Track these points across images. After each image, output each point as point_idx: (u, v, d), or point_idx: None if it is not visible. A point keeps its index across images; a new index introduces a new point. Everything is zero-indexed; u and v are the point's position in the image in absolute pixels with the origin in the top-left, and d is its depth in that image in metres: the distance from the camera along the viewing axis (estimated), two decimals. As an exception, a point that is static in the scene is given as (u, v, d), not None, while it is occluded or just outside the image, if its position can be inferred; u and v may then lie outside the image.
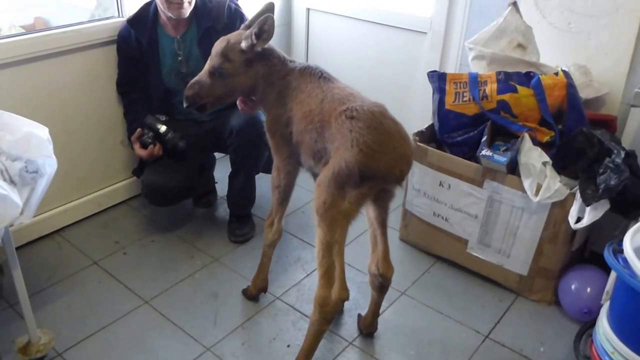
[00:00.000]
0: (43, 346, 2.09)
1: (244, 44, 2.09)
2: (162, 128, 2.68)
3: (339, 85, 2.06)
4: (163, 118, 2.73)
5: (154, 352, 2.24)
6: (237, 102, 2.35)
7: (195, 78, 2.19)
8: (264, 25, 2.04)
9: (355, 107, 1.85)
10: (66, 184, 2.87)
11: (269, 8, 2.18)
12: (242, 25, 2.24)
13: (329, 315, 1.95)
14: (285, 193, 2.27)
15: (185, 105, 2.22)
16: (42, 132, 1.95)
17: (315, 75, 2.08)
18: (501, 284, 2.61)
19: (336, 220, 1.85)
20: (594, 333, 2.10)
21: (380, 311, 2.35)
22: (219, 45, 2.15)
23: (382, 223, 2.11)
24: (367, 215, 2.16)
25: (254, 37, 2.06)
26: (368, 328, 2.34)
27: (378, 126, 1.82)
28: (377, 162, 1.79)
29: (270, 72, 2.14)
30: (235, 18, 2.71)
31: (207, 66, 2.17)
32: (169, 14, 2.60)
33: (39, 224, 2.82)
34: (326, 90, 2.00)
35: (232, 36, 2.15)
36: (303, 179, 2.32)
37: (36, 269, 2.65)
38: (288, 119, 2.09)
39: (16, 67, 2.54)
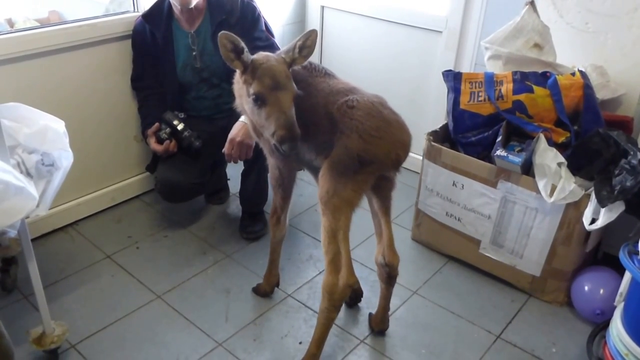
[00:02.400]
0: (57, 337, 2.11)
1: (288, 57, 1.94)
2: (180, 125, 2.70)
3: (341, 80, 2.12)
4: (182, 115, 2.75)
5: (166, 346, 2.25)
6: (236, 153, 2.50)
7: (283, 117, 1.86)
8: (307, 40, 1.94)
9: (356, 98, 1.94)
10: (80, 177, 2.88)
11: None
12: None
13: (337, 302, 1.98)
14: (289, 189, 2.29)
15: (291, 150, 1.90)
16: (58, 126, 1.97)
17: (321, 72, 2.12)
18: (513, 285, 2.60)
19: (339, 208, 1.91)
20: (608, 334, 2.09)
21: (392, 310, 2.36)
22: (283, 69, 1.91)
23: (386, 211, 2.15)
24: (370, 208, 2.21)
25: (297, 50, 1.94)
26: (379, 325, 2.34)
27: (377, 114, 1.90)
28: (374, 147, 1.87)
29: None
30: (247, 11, 2.70)
31: (284, 97, 1.88)
32: (175, 3, 2.61)
33: (53, 216, 2.84)
34: (332, 85, 2.04)
35: (276, 56, 1.97)
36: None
37: (50, 261, 2.67)
38: None
39: (31, 61, 2.56)
